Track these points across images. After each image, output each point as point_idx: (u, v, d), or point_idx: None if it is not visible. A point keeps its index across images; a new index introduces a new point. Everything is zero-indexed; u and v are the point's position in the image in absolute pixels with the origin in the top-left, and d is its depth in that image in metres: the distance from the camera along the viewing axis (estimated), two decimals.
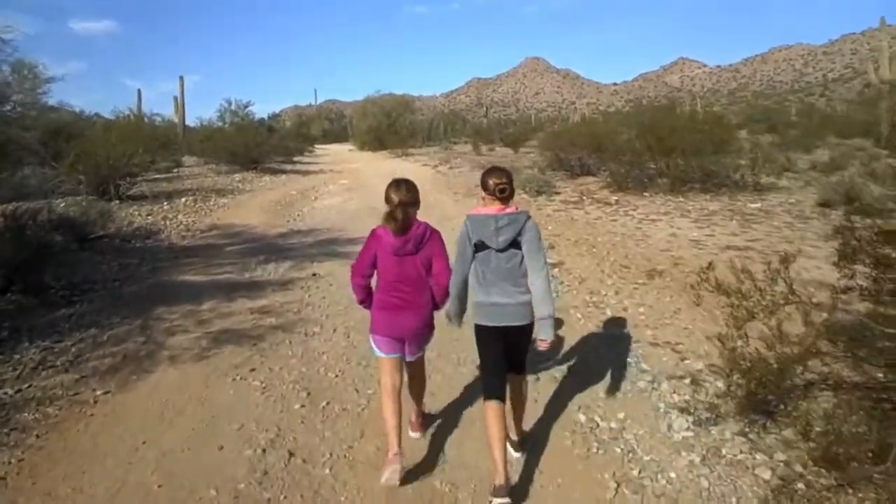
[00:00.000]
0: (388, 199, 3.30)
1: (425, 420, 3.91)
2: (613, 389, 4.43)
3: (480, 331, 3.35)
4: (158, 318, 6.09)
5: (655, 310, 6.12)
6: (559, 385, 4.56)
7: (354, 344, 5.41)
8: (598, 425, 3.98)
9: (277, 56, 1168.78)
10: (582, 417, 4.06)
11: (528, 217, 3.29)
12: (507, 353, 3.35)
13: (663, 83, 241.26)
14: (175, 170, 23.48)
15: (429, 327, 3.50)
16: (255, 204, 14.92)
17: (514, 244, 3.23)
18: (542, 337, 3.26)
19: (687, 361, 4.87)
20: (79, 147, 14.62)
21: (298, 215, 13.15)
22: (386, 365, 3.43)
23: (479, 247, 3.26)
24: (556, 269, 7.76)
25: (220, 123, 35.53)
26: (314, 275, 7.82)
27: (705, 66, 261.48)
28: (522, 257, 3.25)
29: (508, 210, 3.24)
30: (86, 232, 9.58)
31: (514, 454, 3.53)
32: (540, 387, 4.54)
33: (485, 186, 3.29)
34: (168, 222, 11.87)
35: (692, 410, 4.05)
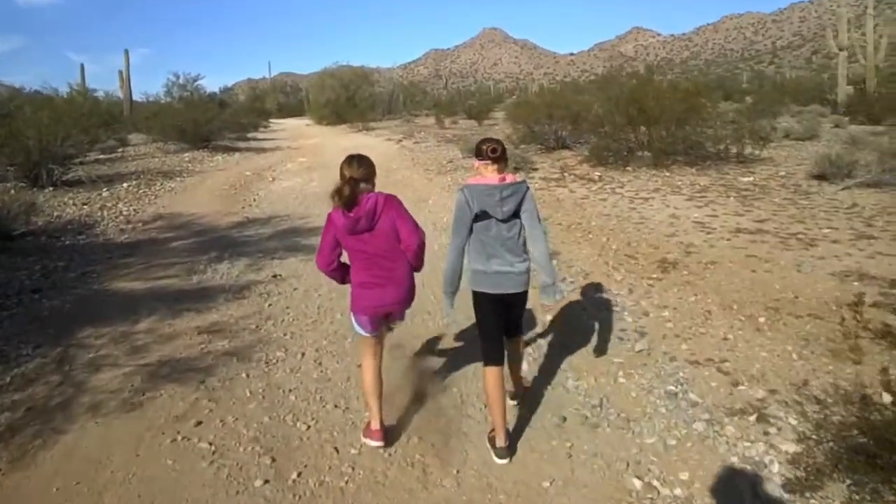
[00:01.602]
0: (341, 175, 3.22)
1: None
2: (665, 437, 3.50)
3: (480, 298, 3.40)
4: (82, 344, 4.92)
5: (682, 313, 5.21)
6: (594, 433, 3.59)
7: (328, 374, 4.35)
8: (658, 493, 3.04)
9: (230, 28, 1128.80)
10: (636, 483, 3.11)
11: (528, 187, 3.34)
12: (504, 319, 3.46)
13: (619, 52, 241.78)
14: (120, 149, 21.72)
15: (411, 297, 3.45)
16: (205, 188, 13.53)
17: (515, 214, 3.27)
18: (546, 301, 3.51)
19: (742, 388, 3.97)
20: (4, 128, 13.00)
21: (254, 200, 11.87)
22: (369, 342, 3.44)
23: (480, 216, 3.26)
24: (554, 261, 6.78)
25: (167, 99, 33.36)
26: (275, 276, 6.70)
27: (659, 35, 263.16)
28: (521, 226, 3.31)
29: (509, 180, 3.26)
30: (5, 229, 8.22)
31: (510, 402, 3.73)
32: (569, 430, 3.59)
33: (478, 153, 3.31)
34: (106, 212, 10.48)
35: (775, 466, 3.14)
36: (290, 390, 4.13)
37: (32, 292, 6.28)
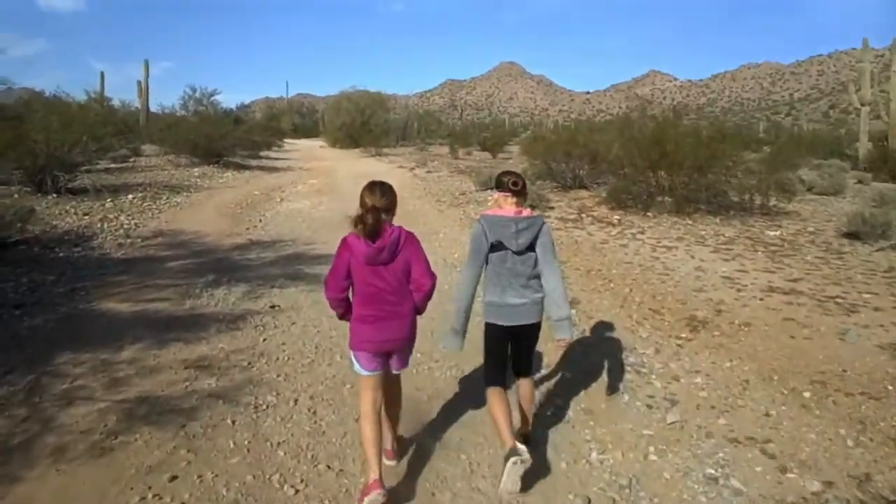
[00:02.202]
0: (361, 203, 3.10)
1: (401, 445, 3.61)
2: None
3: (491, 328, 3.43)
4: (57, 372, 4.47)
5: (717, 381, 4.73)
6: None
7: (322, 427, 3.88)
8: None
9: (251, 46, 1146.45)
10: None
11: (544, 221, 3.41)
12: (515, 352, 3.52)
13: (634, 94, 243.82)
14: (132, 159, 21.61)
15: (413, 338, 3.33)
16: (211, 205, 13.19)
17: (530, 247, 3.31)
18: (561, 336, 3.42)
19: (792, 475, 3.48)
20: (13, 131, 12.74)
21: (260, 221, 11.50)
22: (369, 383, 3.22)
23: (496, 247, 3.29)
24: (573, 310, 6.35)
25: (182, 112, 33.37)
26: (273, 307, 6.26)
27: (676, 79, 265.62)
28: (535, 259, 3.34)
29: (526, 213, 3.32)
30: None
31: (523, 449, 3.23)
32: None
33: (499, 185, 3.38)
34: (106, 224, 10.12)
35: None
36: (279, 444, 3.65)
37: (15, 307, 5.87)
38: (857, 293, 7.05)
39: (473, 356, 4.36)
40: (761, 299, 6.75)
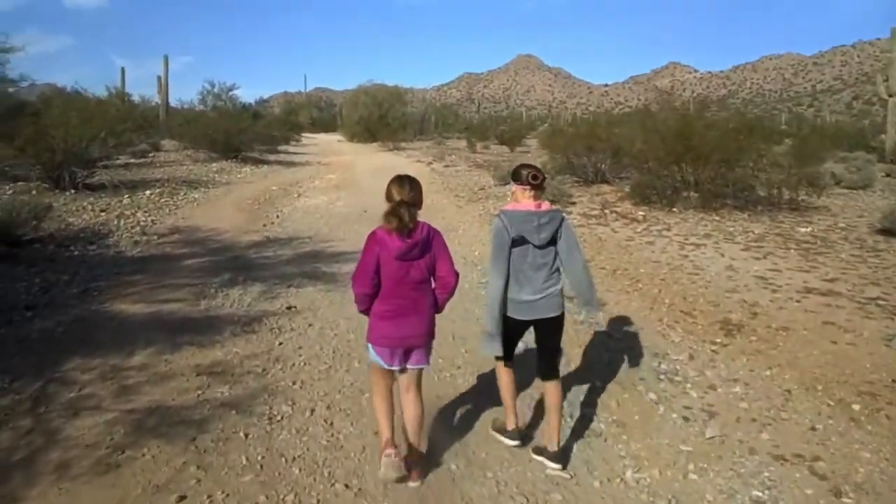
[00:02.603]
0: (389, 197, 3.09)
1: (422, 464, 3.34)
2: None
3: (511, 321, 3.39)
4: (65, 379, 4.31)
5: (756, 391, 4.45)
6: None
7: (340, 440, 3.67)
8: None
9: (270, 41, 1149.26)
10: None
11: (564, 216, 3.40)
12: (540, 349, 3.53)
13: (654, 86, 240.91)
14: (151, 154, 21.63)
15: (431, 334, 3.27)
16: (229, 201, 13.06)
17: (551, 241, 3.31)
18: (590, 316, 4.07)
19: (848, 501, 3.21)
20: (31, 126, 12.70)
21: (277, 217, 11.33)
22: (383, 376, 3.27)
23: (517, 242, 3.27)
24: (601, 313, 6.09)
25: (201, 107, 33.41)
26: (289, 308, 6.07)
27: (696, 71, 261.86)
28: (556, 253, 3.36)
29: (546, 207, 3.31)
30: (11, 234, 7.74)
31: (553, 466, 3.41)
32: None
33: (517, 177, 3.35)
34: (123, 221, 10.01)
35: None
36: (293, 459, 3.45)
37: (26, 309, 5.74)
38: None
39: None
40: (798, 301, 6.43)
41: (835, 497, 3.24)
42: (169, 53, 31.84)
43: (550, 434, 3.46)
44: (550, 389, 3.50)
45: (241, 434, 3.67)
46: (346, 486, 3.24)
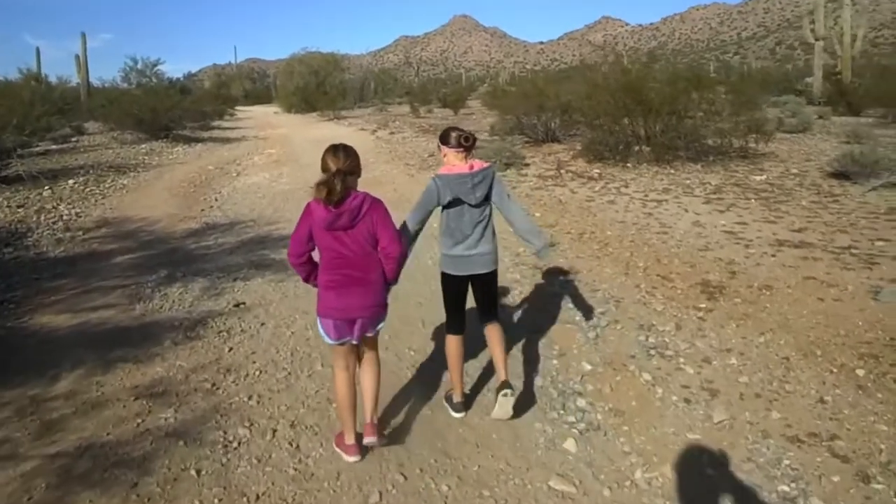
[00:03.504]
0: (324, 167, 2.99)
1: (380, 425, 3.34)
2: None
3: (448, 279, 3.51)
4: None
5: (754, 361, 4.16)
6: None
7: (310, 467, 3.17)
8: None
9: (195, 12, 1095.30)
10: None
11: (495, 171, 3.45)
12: (479, 301, 3.59)
13: (587, 42, 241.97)
14: (74, 139, 20.20)
15: (381, 305, 3.19)
16: (161, 185, 12.11)
17: (486, 198, 3.38)
18: (545, 260, 4.18)
19: (879, 486, 2.92)
20: None
21: (216, 200, 10.53)
22: (338, 353, 3.21)
23: (453, 203, 3.34)
24: (575, 282, 5.72)
25: (124, 85, 31.39)
26: (238, 305, 5.47)
27: (627, 24, 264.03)
28: (490, 210, 3.46)
29: (477, 167, 3.34)
30: None
31: (504, 397, 3.38)
32: None
33: (446, 141, 3.38)
34: (43, 217, 9.05)
35: None
36: (257, 498, 2.94)
37: None
38: (867, 241, 6.58)
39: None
40: (773, 256, 6.21)
41: (863, 483, 2.95)
42: (88, 31, 29.82)
43: (498, 369, 3.50)
44: (492, 333, 3.55)
45: (192, 471, 3.12)
46: None
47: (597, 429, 3.52)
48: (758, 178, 10.43)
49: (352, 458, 3.15)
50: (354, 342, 3.17)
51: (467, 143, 3.34)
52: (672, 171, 11.12)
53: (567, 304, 5.24)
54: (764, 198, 8.84)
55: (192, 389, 3.96)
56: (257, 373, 4.20)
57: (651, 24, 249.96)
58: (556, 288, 5.60)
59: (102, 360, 4.34)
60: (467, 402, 3.71)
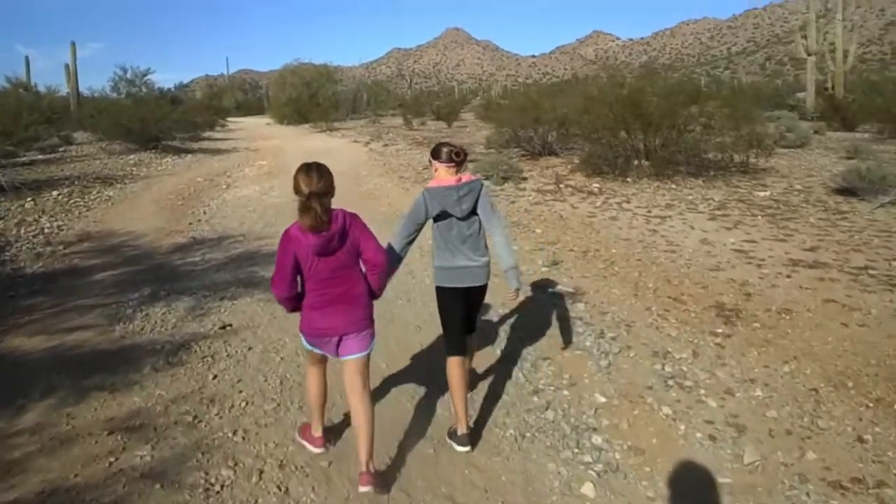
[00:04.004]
0: (297, 189, 2.81)
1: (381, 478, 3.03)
2: None
3: (444, 293, 3.47)
4: None
5: (781, 394, 3.86)
6: None
7: None
8: None
9: (187, 23, 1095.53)
10: None
11: (482, 184, 3.45)
12: (463, 313, 3.51)
13: (579, 56, 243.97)
14: (62, 149, 19.84)
15: (368, 318, 3.05)
16: (148, 197, 11.75)
17: (473, 211, 3.38)
18: (512, 286, 3.45)
19: None
20: None
21: (204, 213, 10.19)
22: (316, 358, 3.19)
23: (441, 216, 3.36)
24: (582, 304, 5.42)
25: (113, 95, 30.99)
26: (224, 327, 5.13)
27: (618, 39, 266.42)
28: (480, 223, 3.43)
29: (465, 179, 3.36)
30: None
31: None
32: None
33: (437, 156, 3.40)
34: (23, 230, 8.67)
35: None
36: None
37: None
38: (884, 261, 6.34)
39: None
40: (788, 276, 5.95)
41: None
42: (80, 40, 29.50)
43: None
44: (470, 341, 3.61)
45: None
46: None
47: (616, 470, 3.20)
48: (762, 193, 10.21)
49: (317, 450, 3.23)
50: (345, 357, 3.03)
51: (458, 159, 3.37)
52: (673, 187, 10.90)
53: (575, 329, 4.93)
54: (770, 214, 8.60)
55: (172, 423, 3.62)
56: (243, 404, 3.86)
57: (642, 38, 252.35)
58: (562, 310, 5.30)
59: (75, 389, 3.99)
60: (473, 437, 3.42)
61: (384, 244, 3.17)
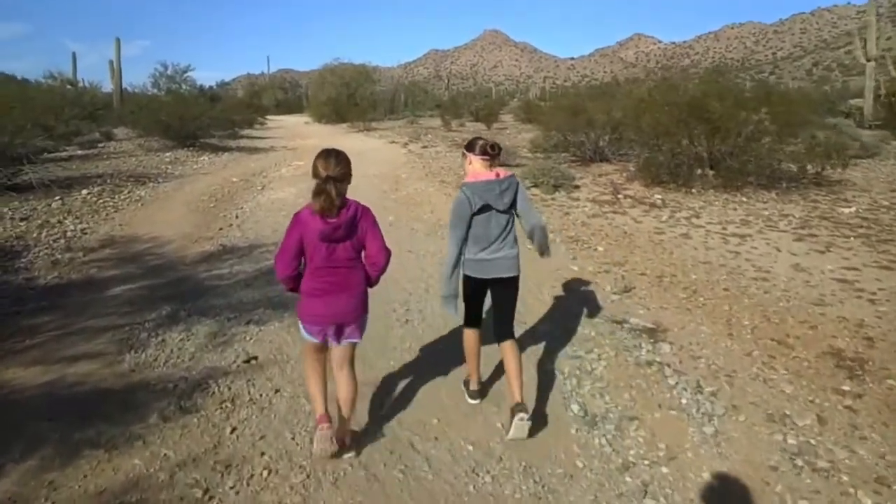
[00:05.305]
0: (315, 173, 2.91)
1: (353, 437, 3.30)
2: None
3: (470, 281, 3.54)
4: None
5: None
6: None
7: None
8: None
9: (231, 22, 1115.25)
10: None
11: (518, 180, 3.51)
12: (496, 310, 3.60)
13: (619, 58, 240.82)
14: (101, 144, 19.65)
15: (365, 310, 3.15)
16: (180, 198, 11.21)
17: (511, 205, 3.45)
18: (546, 256, 3.69)
19: None
20: None
21: (236, 217, 9.56)
22: (312, 349, 3.19)
23: (482, 210, 3.38)
24: (667, 346, 4.55)
25: (153, 91, 30.98)
26: (248, 361, 4.42)
27: (660, 42, 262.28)
28: (513, 216, 3.51)
29: (503, 175, 3.42)
30: None
31: (519, 419, 3.28)
32: None
33: (472, 149, 3.47)
34: (45, 232, 8.15)
35: None
36: None
37: None
38: None
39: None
40: None
41: None
42: (127, 37, 29.56)
43: (514, 390, 3.38)
44: (507, 351, 3.47)
45: None
46: None
47: None
48: (846, 210, 9.17)
49: (318, 440, 3.09)
50: (342, 343, 3.12)
51: (493, 152, 3.42)
52: (744, 200, 9.92)
53: (665, 380, 4.08)
54: (864, 235, 7.60)
55: (177, 498, 2.89)
56: (265, 472, 3.11)
57: (684, 41, 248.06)
58: (644, 353, 4.45)
59: (66, 443, 3.30)
60: None
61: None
